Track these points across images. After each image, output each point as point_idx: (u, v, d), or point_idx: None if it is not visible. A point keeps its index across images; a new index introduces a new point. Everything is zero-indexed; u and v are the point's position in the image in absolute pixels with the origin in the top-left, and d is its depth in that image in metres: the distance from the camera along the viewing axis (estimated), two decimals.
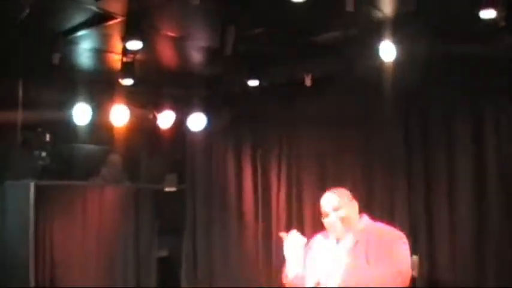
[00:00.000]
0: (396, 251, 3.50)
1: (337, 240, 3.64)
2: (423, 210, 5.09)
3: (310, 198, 5.68)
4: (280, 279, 5.63)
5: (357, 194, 4.87)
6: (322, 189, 5.49)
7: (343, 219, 3.61)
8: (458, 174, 4.95)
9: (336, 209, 3.65)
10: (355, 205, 3.70)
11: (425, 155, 5.12)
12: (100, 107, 5.31)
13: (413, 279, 5.00)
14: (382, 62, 4.47)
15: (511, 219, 4.68)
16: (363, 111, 5.39)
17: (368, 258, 3.47)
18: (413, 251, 5.08)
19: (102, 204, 6.76)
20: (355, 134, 5.49)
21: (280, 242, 5.73)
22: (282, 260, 5.62)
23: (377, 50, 4.37)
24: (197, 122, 5.87)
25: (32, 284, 5.07)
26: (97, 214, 6.75)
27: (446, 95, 4.99)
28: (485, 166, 4.82)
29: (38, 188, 5.18)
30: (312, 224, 5.61)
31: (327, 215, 3.68)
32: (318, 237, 3.85)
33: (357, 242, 3.55)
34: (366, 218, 3.72)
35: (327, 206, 3.69)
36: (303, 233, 5.54)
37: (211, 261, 6.35)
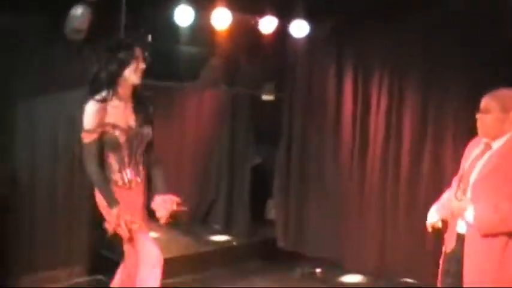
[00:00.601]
0: None
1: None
2: None
3: (410, 117, 5.50)
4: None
5: (463, 116, 4.73)
6: (424, 108, 5.40)
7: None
8: None
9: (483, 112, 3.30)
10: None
11: None
12: (202, 9, 5.28)
13: None
14: None
15: None
16: (473, 30, 4.95)
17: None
18: None
19: (199, 107, 6.87)
20: (461, 52, 5.08)
21: (375, 156, 5.71)
22: (374, 177, 5.69)
23: None
24: (299, 29, 5.72)
25: None
26: (194, 117, 6.89)
27: None
28: None
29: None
30: (409, 141, 5.50)
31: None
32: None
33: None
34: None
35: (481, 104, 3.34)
36: (398, 151, 5.52)
37: (304, 174, 6.34)
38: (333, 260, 6.07)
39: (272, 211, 6.95)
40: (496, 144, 3.27)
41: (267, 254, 6.36)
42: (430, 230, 3.58)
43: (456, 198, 3.33)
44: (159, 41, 5.36)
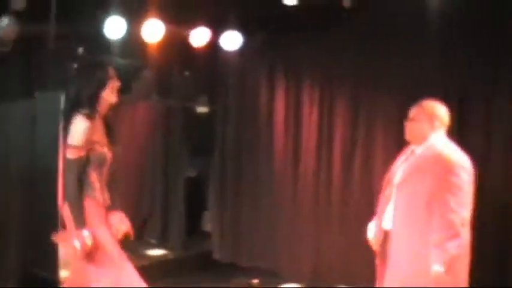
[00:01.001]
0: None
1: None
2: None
3: (341, 125, 5.65)
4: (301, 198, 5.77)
5: (392, 123, 4.89)
6: (355, 116, 5.56)
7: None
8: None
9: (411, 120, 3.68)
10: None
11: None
12: (134, 21, 5.25)
13: None
14: None
15: None
16: (402, 40, 5.19)
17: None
18: None
19: (132, 120, 6.80)
20: (392, 61, 5.29)
21: (308, 164, 5.83)
22: (307, 184, 5.80)
23: None
24: (231, 41, 5.78)
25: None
26: (127, 130, 6.80)
27: None
28: None
29: (68, 100, 5.20)
30: (340, 148, 5.65)
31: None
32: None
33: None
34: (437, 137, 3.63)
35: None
36: (330, 159, 5.66)
37: (239, 185, 6.38)
38: (270, 269, 6.13)
39: (208, 223, 6.96)
40: (419, 149, 3.61)
41: (204, 266, 6.35)
42: (373, 247, 3.80)
43: (384, 197, 3.66)
44: (90, 52, 5.31)
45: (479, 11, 4.76)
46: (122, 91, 5.38)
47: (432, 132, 3.59)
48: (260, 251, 6.22)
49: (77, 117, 3.50)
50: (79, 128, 3.48)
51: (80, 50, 5.30)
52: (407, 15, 5.04)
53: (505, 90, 4.80)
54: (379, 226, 3.73)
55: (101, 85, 3.59)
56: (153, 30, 5.28)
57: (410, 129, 3.67)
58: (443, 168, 3.43)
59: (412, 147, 3.69)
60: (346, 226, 5.52)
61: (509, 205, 4.70)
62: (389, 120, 5.23)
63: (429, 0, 4.71)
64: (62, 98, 5.04)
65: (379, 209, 3.80)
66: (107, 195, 3.66)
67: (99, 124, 3.63)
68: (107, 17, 5.05)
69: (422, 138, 3.61)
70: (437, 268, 3.33)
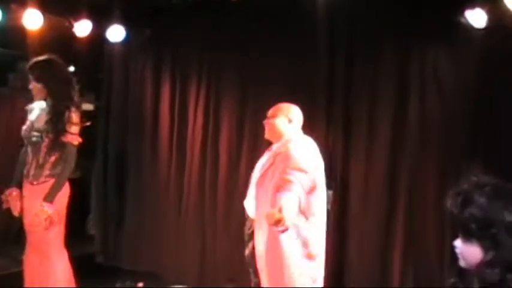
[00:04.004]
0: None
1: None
2: (341, 145, 5.25)
3: (228, 123, 5.74)
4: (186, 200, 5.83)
5: None
6: (241, 114, 5.69)
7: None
8: (378, 117, 5.11)
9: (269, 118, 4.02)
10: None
11: (347, 85, 5.22)
12: (12, 10, 5.18)
13: (327, 213, 5.30)
14: None
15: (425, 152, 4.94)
16: (290, 38, 5.36)
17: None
18: (328, 186, 5.39)
19: (9, 115, 6.61)
20: (279, 61, 5.47)
21: (193, 164, 5.89)
22: (192, 186, 5.86)
23: None
24: (116, 34, 5.77)
25: None
26: (3, 126, 6.61)
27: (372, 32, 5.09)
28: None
29: None
30: (227, 146, 5.75)
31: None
32: None
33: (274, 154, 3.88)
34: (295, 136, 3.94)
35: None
36: (216, 160, 5.76)
37: (122, 187, 6.36)
38: (154, 272, 6.12)
39: (92, 226, 6.88)
40: (275, 146, 3.94)
41: (86, 269, 6.26)
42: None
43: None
44: None
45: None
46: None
47: (287, 129, 3.93)
48: (144, 255, 6.22)
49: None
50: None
51: None
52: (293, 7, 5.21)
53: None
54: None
55: None
56: (32, 20, 5.21)
57: (268, 127, 4.01)
58: (289, 163, 3.68)
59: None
60: (231, 226, 5.59)
61: None
62: None
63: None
64: None
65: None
66: None
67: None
68: None
69: (279, 136, 3.94)
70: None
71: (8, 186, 4.34)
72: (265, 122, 4.05)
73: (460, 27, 4.65)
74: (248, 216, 4.11)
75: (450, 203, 2.05)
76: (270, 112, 4.04)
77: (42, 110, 4.26)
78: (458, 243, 2.07)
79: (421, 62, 4.97)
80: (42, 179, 4.18)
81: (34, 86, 4.24)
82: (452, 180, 4.48)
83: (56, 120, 4.14)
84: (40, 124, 4.20)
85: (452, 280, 2.00)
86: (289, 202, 3.41)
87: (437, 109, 4.91)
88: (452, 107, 4.87)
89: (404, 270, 4.97)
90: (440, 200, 4.55)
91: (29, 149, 4.26)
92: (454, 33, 4.73)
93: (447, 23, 4.73)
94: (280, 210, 3.23)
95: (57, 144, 4.16)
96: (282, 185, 3.56)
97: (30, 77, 4.21)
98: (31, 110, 4.35)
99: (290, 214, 3.33)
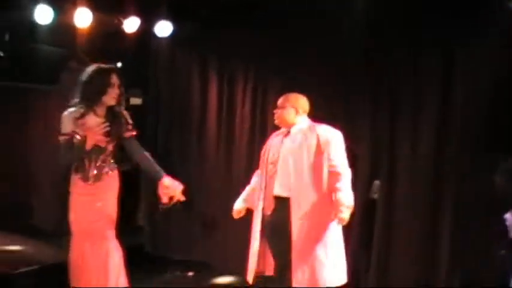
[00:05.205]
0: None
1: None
2: (387, 135, 5.32)
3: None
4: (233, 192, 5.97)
5: (319, 115, 5.17)
6: None
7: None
8: (424, 103, 5.14)
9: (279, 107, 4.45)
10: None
11: (391, 80, 5.29)
12: (63, 9, 5.37)
13: (374, 202, 5.39)
14: None
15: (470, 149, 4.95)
16: (330, 38, 5.45)
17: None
18: (375, 175, 5.47)
19: (61, 111, 6.85)
20: (322, 57, 5.57)
21: (241, 157, 6.03)
22: (240, 178, 5.98)
23: None
24: (163, 29, 5.94)
25: None
26: (55, 121, 6.86)
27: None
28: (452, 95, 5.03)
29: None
30: None
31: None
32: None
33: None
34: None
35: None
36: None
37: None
38: (204, 262, 6.29)
39: (141, 217, 7.10)
40: (294, 129, 4.39)
41: (136, 260, 6.46)
42: (235, 216, 4.71)
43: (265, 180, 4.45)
44: (17, 40, 5.39)
45: None
46: (51, 81, 5.54)
47: (296, 117, 4.38)
48: (192, 245, 6.40)
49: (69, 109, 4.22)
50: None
51: (7, 37, 5.39)
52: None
53: None
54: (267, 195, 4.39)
55: (101, 93, 4.21)
56: (82, 18, 5.42)
57: (279, 115, 4.44)
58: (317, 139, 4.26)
59: (281, 130, 4.47)
60: None
61: None
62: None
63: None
64: None
65: (262, 182, 4.45)
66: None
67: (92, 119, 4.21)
68: (35, 4, 5.17)
69: (290, 122, 4.39)
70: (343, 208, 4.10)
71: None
72: (275, 111, 4.46)
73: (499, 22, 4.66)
74: None
75: (500, 177, 2.11)
76: (279, 102, 4.46)
77: None
78: (509, 215, 2.11)
79: (465, 58, 4.96)
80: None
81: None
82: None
83: None
84: None
85: (502, 252, 2.05)
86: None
87: (484, 103, 4.91)
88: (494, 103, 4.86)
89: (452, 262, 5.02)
90: (488, 193, 4.66)
91: None
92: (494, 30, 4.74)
93: (487, 19, 4.75)
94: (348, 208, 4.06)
95: None
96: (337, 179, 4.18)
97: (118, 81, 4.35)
98: None
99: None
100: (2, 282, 5.20)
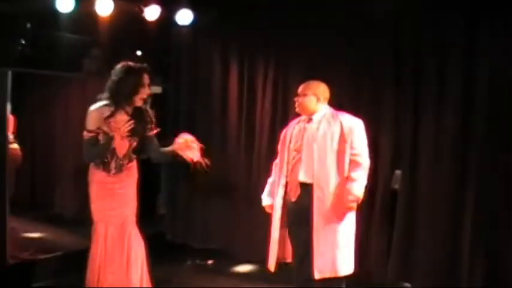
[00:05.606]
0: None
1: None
2: (410, 126, 5.28)
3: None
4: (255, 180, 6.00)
5: (342, 104, 5.16)
6: None
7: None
8: (448, 93, 5.09)
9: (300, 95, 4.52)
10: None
11: (415, 69, 5.23)
12: None
13: (395, 193, 5.36)
14: None
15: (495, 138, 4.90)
16: (354, 22, 5.44)
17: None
18: (397, 166, 5.44)
19: (84, 98, 6.92)
20: (344, 44, 5.55)
21: (261, 149, 6.04)
22: (261, 165, 6.00)
23: None
24: (184, 18, 5.95)
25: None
26: (78, 108, 6.93)
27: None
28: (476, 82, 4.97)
29: (16, 76, 5.35)
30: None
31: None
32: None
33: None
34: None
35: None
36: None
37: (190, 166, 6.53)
38: (224, 250, 6.34)
39: (162, 206, 7.14)
40: (316, 116, 4.46)
41: (157, 248, 6.51)
42: (270, 211, 4.72)
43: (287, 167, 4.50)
44: (38, 28, 5.44)
45: None
46: (72, 69, 5.60)
47: (317, 104, 4.46)
48: (213, 233, 6.44)
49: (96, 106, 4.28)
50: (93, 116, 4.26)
51: (28, 25, 5.43)
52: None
53: None
54: (292, 182, 4.46)
55: (132, 94, 4.28)
56: (104, 6, 5.44)
57: (300, 103, 4.50)
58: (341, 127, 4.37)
59: (302, 118, 4.54)
60: None
61: None
62: (342, 101, 5.49)
63: None
64: (9, 75, 5.20)
65: (283, 169, 4.52)
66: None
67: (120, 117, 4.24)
68: None
69: (312, 110, 4.46)
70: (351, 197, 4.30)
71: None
72: (296, 99, 4.53)
73: None
74: None
75: None
76: (300, 90, 4.53)
77: None
78: None
79: (489, 57, 4.89)
80: None
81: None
82: None
83: None
84: None
85: None
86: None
87: (507, 100, 4.85)
88: None
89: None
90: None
91: None
92: None
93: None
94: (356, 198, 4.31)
95: None
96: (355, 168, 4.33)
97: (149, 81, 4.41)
98: None
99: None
100: (26, 267, 5.27)
